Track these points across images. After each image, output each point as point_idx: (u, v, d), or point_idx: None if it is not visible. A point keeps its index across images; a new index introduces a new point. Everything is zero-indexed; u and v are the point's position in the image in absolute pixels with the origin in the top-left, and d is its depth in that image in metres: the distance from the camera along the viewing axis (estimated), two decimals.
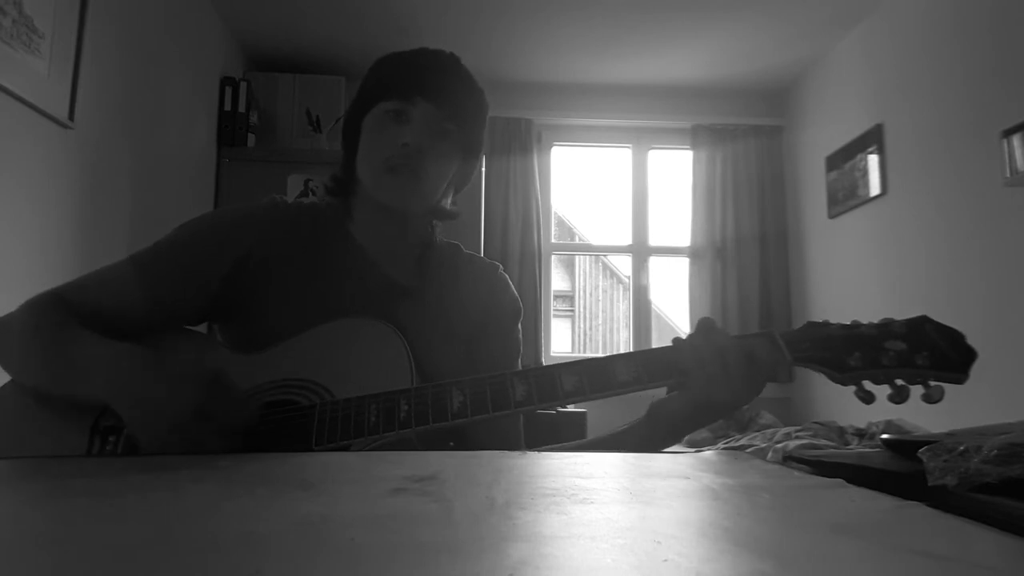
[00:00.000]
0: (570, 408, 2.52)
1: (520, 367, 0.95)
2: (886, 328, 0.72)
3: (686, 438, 2.76)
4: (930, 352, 0.69)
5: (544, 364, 2.22)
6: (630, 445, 0.78)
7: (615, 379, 0.71)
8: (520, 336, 0.99)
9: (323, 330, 0.80)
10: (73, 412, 0.76)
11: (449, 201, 0.96)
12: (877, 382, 0.70)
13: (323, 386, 0.76)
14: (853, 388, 0.71)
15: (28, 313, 0.81)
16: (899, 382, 0.70)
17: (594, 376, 0.71)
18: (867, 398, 0.70)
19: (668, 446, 0.78)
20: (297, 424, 0.73)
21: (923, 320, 0.71)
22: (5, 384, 0.81)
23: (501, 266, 1.01)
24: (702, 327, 0.74)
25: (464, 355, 0.91)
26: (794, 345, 0.72)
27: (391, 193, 0.87)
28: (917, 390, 0.69)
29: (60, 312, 0.81)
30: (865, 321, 0.74)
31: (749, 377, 0.71)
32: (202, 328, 0.92)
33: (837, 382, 0.71)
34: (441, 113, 0.87)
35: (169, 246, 0.87)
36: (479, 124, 0.95)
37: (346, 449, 0.69)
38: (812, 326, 0.74)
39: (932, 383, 0.68)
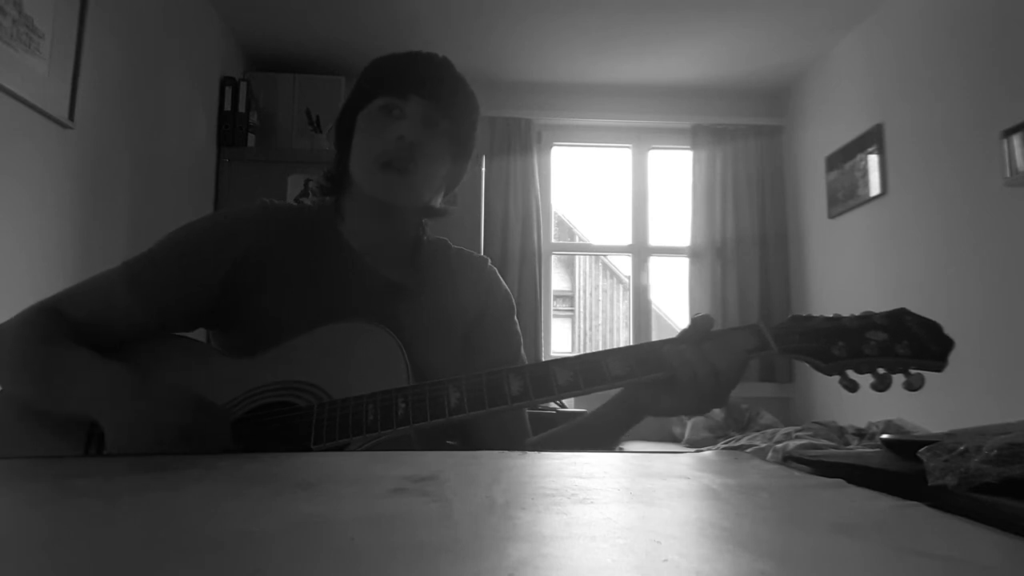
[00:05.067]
0: (570, 408, 2.53)
1: (524, 357, 0.96)
2: (867, 320, 0.74)
3: (686, 438, 2.76)
4: (910, 342, 0.71)
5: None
6: (612, 421, 0.83)
7: (609, 373, 0.72)
8: (519, 331, 0.99)
9: (319, 333, 0.80)
10: (69, 420, 0.76)
11: (439, 200, 0.96)
12: (860, 371, 0.73)
13: (320, 388, 0.76)
14: (837, 377, 0.73)
15: (22, 327, 0.81)
16: (881, 371, 0.72)
17: (588, 370, 0.72)
18: (851, 387, 0.73)
19: (633, 425, 0.83)
20: (295, 424, 0.73)
21: (902, 312, 0.74)
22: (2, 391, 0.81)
23: (489, 259, 1.01)
24: (697, 333, 0.75)
25: (460, 351, 0.91)
26: (780, 337, 0.74)
27: (384, 188, 0.87)
28: (899, 379, 0.72)
29: (54, 326, 0.81)
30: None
31: (735, 382, 0.74)
32: (199, 333, 0.92)
33: (822, 372, 0.73)
34: (435, 108, 0.88)
35: (162, 253, 0.87)
36: (471, 123, 0.96)
37: (344, 448, 0.69)
38: (797, 319, 0.76)
39: (913, 371, 0.71)
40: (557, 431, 0.91)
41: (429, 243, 0.99)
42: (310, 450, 0.70)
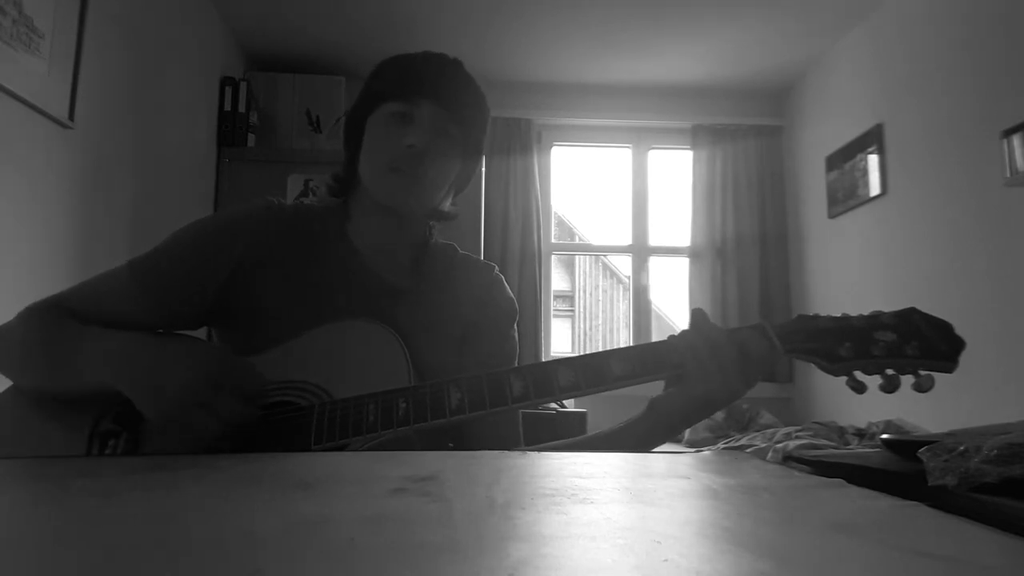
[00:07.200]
0: (570, 408, 2.52)
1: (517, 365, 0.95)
2: (876, 319, 0.73)
3: (686, 438, 2.76)
4: (919, 342, 0.70)
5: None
6: (628, 443, 0.79)
7: (610, 373, 0.71)
8: (516, 338, 0.98)
9: (320, 332, 0.80)
10: (72, 417, 0.76)
11: (449, 203, 0.96)
12: (868, 372, 0.71)
13: (321, 388, 0.76)
14: (845, 379, 0.72)
15: (30, 316, 0.81)
16: (890, 372, 0.71)
17: (589, 371, 0.71)
18: (859, 388, 0.71)
19: (665, 442, 0.79)
20: (296, 424, 0.73)
21: (912, 311, 0.73)
22: (4, 391, 0.81)
23: (496, 267, 1.01)
24: (696, 322, 0.75)
25: (457, 354, 0.91)
26: (785, 337, 0.73)
27: (393, 193, 0.87)
28: (908, 380, 0.70)
29: (61, 314, 0.81)
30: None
31: (743, 370, 0.72)
32: (201, 333, 0.92)
33: (829, 372, 0.72)
34: (445, 115, 0.87)
35: (167, 252, 0.87)
36: (481, 127, 0.95)
37: (344, 448, 0.69)
38: (803, 319, 0.75)
39: (922, 372, 0.70)
40: (557, 446, 0.89)
41: (436, 247, 0.98)
42: (311, 450, 0.70)
